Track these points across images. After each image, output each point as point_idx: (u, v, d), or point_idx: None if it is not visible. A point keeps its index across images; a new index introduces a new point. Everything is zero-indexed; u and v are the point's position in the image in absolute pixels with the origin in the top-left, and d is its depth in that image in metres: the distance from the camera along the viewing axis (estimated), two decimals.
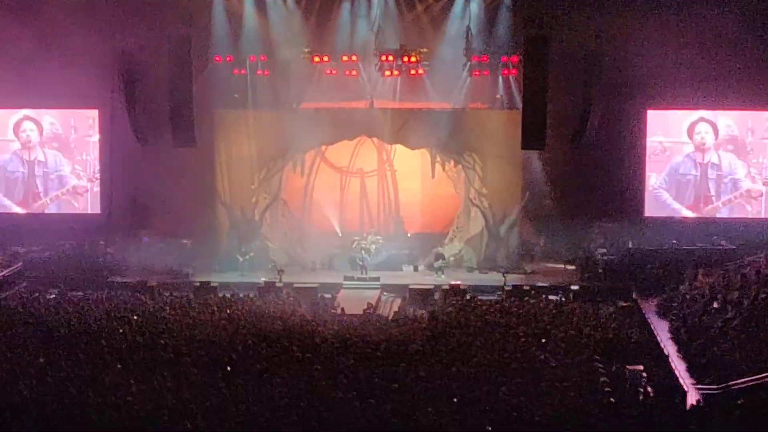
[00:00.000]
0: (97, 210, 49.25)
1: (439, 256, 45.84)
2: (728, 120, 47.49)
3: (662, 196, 47.84)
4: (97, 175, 49.13)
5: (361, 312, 38.16)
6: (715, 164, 47.55)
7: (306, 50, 46.52)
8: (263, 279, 43.32)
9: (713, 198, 47.62)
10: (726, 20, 45.60)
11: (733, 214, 47.59)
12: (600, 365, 30.11)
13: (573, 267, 45.94)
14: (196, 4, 45.35)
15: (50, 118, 49.29)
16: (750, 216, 47.48)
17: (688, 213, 47.71)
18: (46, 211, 49.52)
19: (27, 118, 49.28)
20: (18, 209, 49.29)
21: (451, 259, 46.98)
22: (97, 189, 49.18)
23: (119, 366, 29.23)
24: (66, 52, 46.36)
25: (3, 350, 31.01)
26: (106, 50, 46.57)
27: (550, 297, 40.08)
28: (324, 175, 50.17)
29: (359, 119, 47.22)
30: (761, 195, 47.42)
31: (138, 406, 25.93)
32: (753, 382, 28.19)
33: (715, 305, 36.28)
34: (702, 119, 47.55)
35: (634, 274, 42.79)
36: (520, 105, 44.86)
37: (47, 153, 49.24)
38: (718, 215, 47.75)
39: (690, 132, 47.57)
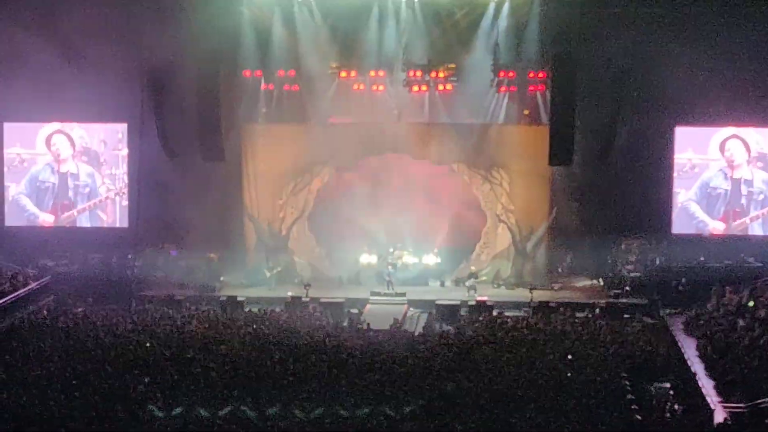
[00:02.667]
0: (125, 224, 49.34)
1: (471, 275, 45.72)
2: (758, 137, 47.26)
3: (691, 208, 47.57)
4: (125, 189, 49.24)
5: (388, 327, 38.17)
6: (748, 180, 47.27)
7: (334, 65, 46.64)
8: (290, 293, 43.38)
9: (742, 213, 47.35)
10: (755, 37, 45.43)
11: (763, 231, 47.25)
12: (627, 382, 30.08)
13: (600, 283, 45.89)
14: (225, 19, 45.46)
15: (80, 131, 49.45)
16: None
17: (717, 225, 47.40)
18: (77, 224, 49.59)
19: (58, 131, 49.44)
20: (47, 217, 49.40)
21: (484, 276, 46.89)
22: (125, 203, 49.30)
23: (146, 380, 29.34)
24: (95, 66, 46.49)
25: (31, 363, 31.18)
26: (135, 64, 46.74)
27: (577, 314, 39.95)
28: (351, 190, 50.09)
29: (387, 134, 47.23)
30: None
31: (165, 421, 26.06)
32: None
33: (743, 323, 36.16)
34: (734, 135, 47.28)
35: (661, 291, 42.67)
36: (547, 121, 44.80)
37: (79, 166, 49.39)
38: (750, 231, 47.41)
39: (721, 148, 47.32)
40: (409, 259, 47.35)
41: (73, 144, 49.31)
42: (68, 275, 45.04)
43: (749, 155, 47.23)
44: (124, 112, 48.12)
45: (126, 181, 49.27)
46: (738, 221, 47.45)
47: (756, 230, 47.30)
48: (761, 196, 47.23)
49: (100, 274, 45.35)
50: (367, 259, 47.67)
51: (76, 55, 46.49)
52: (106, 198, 49.24)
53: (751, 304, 37.76)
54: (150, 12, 45.14)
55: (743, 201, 47.35)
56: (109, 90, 46.58)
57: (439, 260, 48.16)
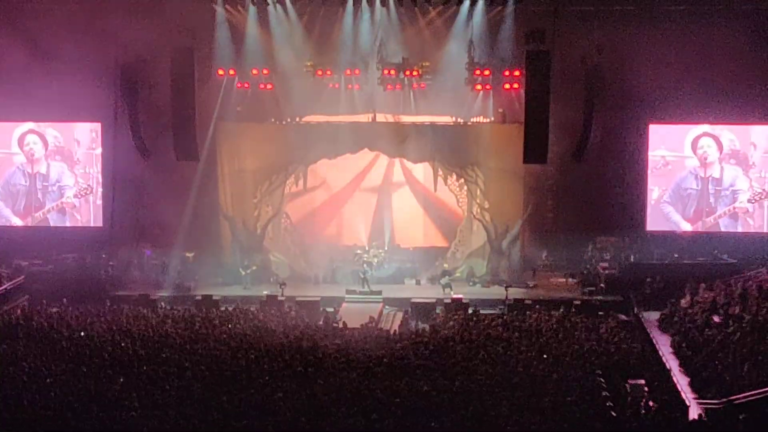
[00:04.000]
0: (100, 223, 49.24)
1: (446, 273, 45.76)
2: (731, 134, 47.50)
3: (666, 209, 47.83)
4: (99, 188, 49.11)
5: (363, 326, 38.16)
6: (716, 178, 47.56)
7: (309, 64, 46.60)
8: (265, 292, 43.31)
9: (711, 212, 47.58)
10: (729, 34, 45.62)
11: (735, 228, 47.52)
12: (602, 379, 30.18)
13: (575, 281, 45.99)
14: (198, 17, 45.43)
15: (54, 131, 49.30)
16: (752, 230, 47.38)
17: (686, 226, 47.68)
18: (48, 224, 49.49)
19: (31, 131, 49.33)
20: (17, 220, 49.32)
21: (458, 274, 46.95)
22: (99, 202, 49.17)
23: (122, 380, 29.28)
24: (68, 65, 46.34)
25: (5, 364, 31.05)
26: (109, 63, 46.63)
27: (552, 311, 40.04)
28: (326, 189, 50.10)
29: (362, 133, 47.28)
30: (746, 212, 47.37)
31: (141, 421, 26.00)
32: (755, 397, 28.21)
33: (717, 319, 36.33)
34: (705, 133, 47.55)
35: (635, 288, 42.78)
36: (522, 119, 44.85)
37: (50, 165, 49.28)
38: (716, 228, 47.67)
39: (693, 146, 47.59)
40: (384, 257, 47.33)
41: (46, 144, 49.18)
42: (42, 275, 44.81)
43: (721, 153, 47.47)
44: (98, 111, 48.06)
45: (100, 180, 49.16)
46: (706, 219, 47.67)
47: (725, 227, 47.56)
48: (728, 192, 47.47)
49: (75, 273, 45.14)
50: (344, 257, 47.65)
51: (44, 54, 46.23)
52: (76, 196, 49.07)
53: None
54: (122, 10, 44.99)
55: (711, 200, 47.61)
56: (83, 89, 46.59)
57: (414, 258, 48.22)
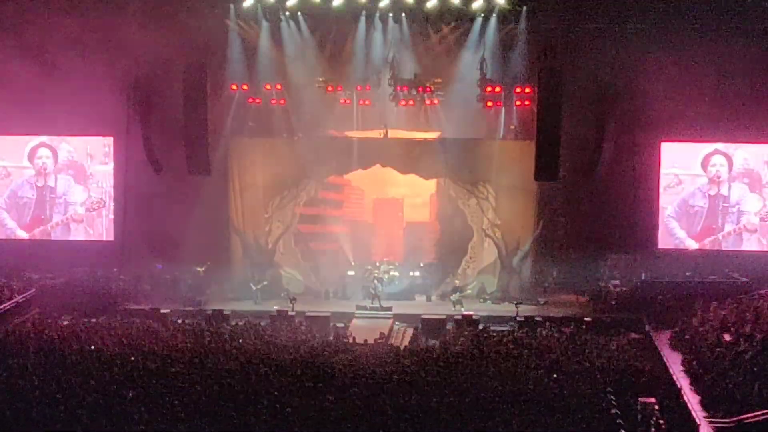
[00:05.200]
0: (111, 237, 49.33)
1: (457, 289, 45.72)
2: (744, 153, 47.44)
3: (670, 224, 47.83)
4: (110, 202, 49.21)
5: (373, 341, 38.15)
6: (725, 196, 47.50)
7: (321, 79, 46.66)
8: (276, 307, 43.29)
9: (718, 230, 47.54)
10: (742, 53, 45.67)
11: (746, 246, 47.45)
12: (612, 397, 30.07)
13: (586, 298, 45.91)
14: (211, 32, 45.59)
15: (67, 145, 49.47)
16: (765, 249, 47.27)
17: (691, 243, 47.62)
18: (51, 237, 49.68)
19: (43, 144, 49.52)
20: (22, 233, 49.45)
21: (469, 290, 46.90)
22: (111, 216, 49.26)
23: (131, 394, 29.26)
24: (81, 79, 46.40)
25: (16, 377, 31.06)
26: (122, 77, 46.78)
27: (563, 328, 39.97)
28: (337, 205, 50.10)
29: (373, 149, 47.32)
30: (756, 230, 47.31)
31: None
32: (765, 416, 28.08)
33: (728, 338, 36.22)
34: (717, 151, 47.50)
35: (646, 306, 42.67)
36: (533, 136, 44.82)
37: (59, 179, 49.42)
38: (724, 246, 47.62)
39: (704, 164, 47.54)
40: (395, 273, 47.31)
41: (56, 157, 49.30)
42: (53, 288, 44.82)
43: (732, 171, 47.40)
44: (111, 125, 48.20)
45: (112, 194, 49.26)
46: (712, 237, 47.62)
47: (732, 245, 47.47)
48: (735, 209, 47.41)
49: (86, 287, 45.17)
50: (355, 273, 47.64)
51: (56, 68, 46.38)
52: (89, 210, 49.18)
53: None
54: (135, 25, 45.08)
55: (719, 217, 47.54)
56: (95, 103, 46.57)
57: (425, 274, 48.19)
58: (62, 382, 30.35)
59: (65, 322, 40.04)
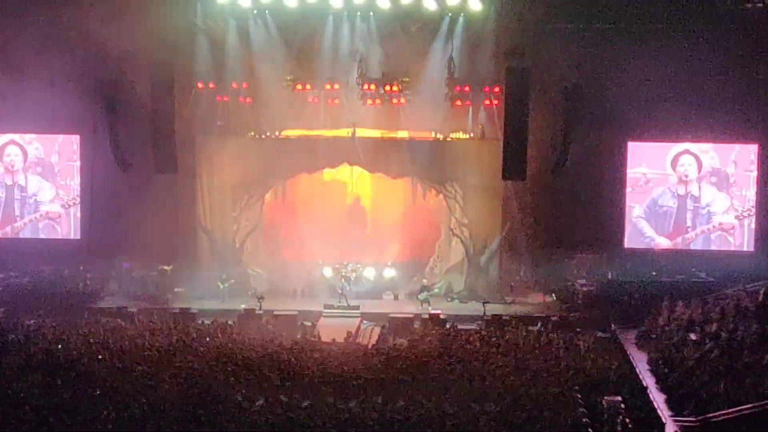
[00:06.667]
0: (78, 236, 49.14)
1: (424, 288, 45.77)
2: (713, 152, 47.73)
3: (640, 224, 48.09)
4: (77, 200, 49.04)
5: (341, 340, 38.13)
6: (694, 196, 47.78)
7: (288, 78, 46.62)
8: (243, 306, 43.26)
9: (689, 229, 47.82)
10: (709, 53, 45.94)
11: (714, 246, 47.73)
12: (578, 396, 30.16)
13: (553, 297, 46.05)
14: (179, 30, 45.39)
15: (35, 143, 49.26)
16: (731, 248, 47.56)
17: (663, 241, 47.90)
18: (21, 235, 49.44)
19: (12, 142, 49.30)
20: None
21: (436, 289, 46.96)
22: (78, 214, 49.08)
23: (98, 393, 29.15)
24: (49, 77, 46.32)
25: None
26: (89, 76, 46.60)
27: (530, 327, 40.07)
28: (305, 203, 50.02)
29: (341, 147, 47.25)
30: (732, 228, 47.64)
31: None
32: (731, 415, 28.24)
33: (694, 337, 36.40)
34: (686, 151, 47.78)
35: (613, 305, 42.82)
36: (501, 135, 44.92)
37: (29, 177, 49.22)
38: (693, 246, 47.94)
39: (674, 164, 47.81)
40: (363, 272, 47.31)
41: (25, 155, 49.11)
42: (19, 287, 44.68)
43: (701, 171, 47.66)
44: (78, 123, 47.99)
45: (79, 192, 49.09)
46: (683, 236, 47.88)
47: (701, 245, 47.75)
48: (705, 210, 47.70)
49: (52, 286, 45.01)
50: (323, 272, 47.60)
51: (30, 67, 46.18)
52: (63, 206, 48.99)
53: None
54: (101, 23, 44.79)
55: (689, 216, 47.82)
56: (62, 101, 46.51)
57: (393, 273, 48.22)
58: (28, 381, 30.21)
59: (31, 321, 39.79)
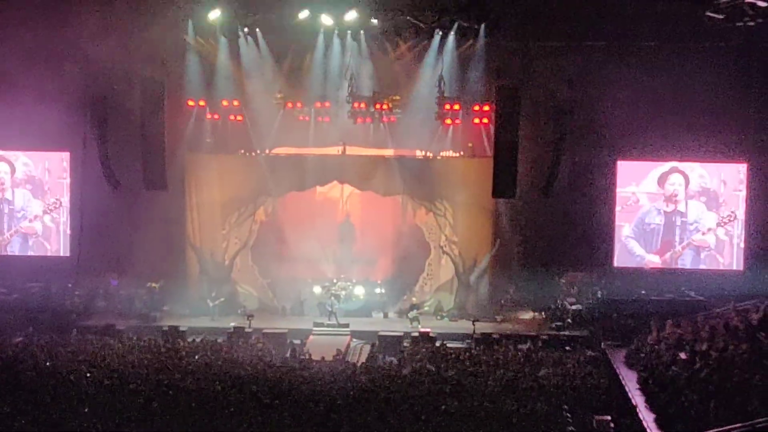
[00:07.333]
0: (67, 252, 49.04)
1: (414, 306, 45.74)
2: (701, 171, 47.77)
3: (629, 244, 48.12)
4: (68, 218, 48.94)
5: (330, 358, 38.09)
6: (681, 212, 47.80)
7: (279, 96, 46.64)
8: (233, 324, 43.20)
9: (677, 244, 47.88)
10: (700, 72, 45.92)
11: (703, 265, 47.74)
12: (568, 415, 30.15)
13: (542, 316, 46.00)
14: (169, 47, 45.36)
15: (25, 159, 49.19)
16: (720, 268, 47.59)
17: (653, 258, 47.93)
18: (8, 250, 49.24)
19: (1, 158, 49.18)
20: None
21: (426, 308, 46.92)
22: (68, 231, 48.99)
23: (86, 410, 29.06)
24: (38, 93, 46.19)
25: None
26: (79, 92, 46.54)
27: (519, 345, 40.06)
28: (295, 220, 49.95)
29: (331, 165, 47.33)
30: (708, 247, 47.69)
31: None
32: None
33: (683, 356, 36.37)
34: (675, 170, 47.79)
35: (603, 324, 42.82)
36: (491, 153, 44.95)
37: (16, 193, 49.13)
38: (682, 262, 47.87)
39: (662, 182, 47.83)
40: (353, 290, 47.26)
41: (14, 171, 49.02)
42: (7, 304, 44.53)
43: (688, 190, 47.71)
44: (68, 140, 47.89)
45: (69, 209, 49.00)
46: (672, 251, 47.91)
47: (691, 263, 47.76)
48: (693, 227, 47.76)
49: (40, 303, 44.85)
50: (312, 290, 47.54)
51: (19, 83, 46.11)
52: (45, 212, 48.86)
53: None
54: (93, 39, 44.75)
55: (677, 233, 47.87)
56: (52, 118, 46.30)
57: (382, 291, 48.18)
58: (16, 399, 30.11)
59: (19, 339, 39.69)
